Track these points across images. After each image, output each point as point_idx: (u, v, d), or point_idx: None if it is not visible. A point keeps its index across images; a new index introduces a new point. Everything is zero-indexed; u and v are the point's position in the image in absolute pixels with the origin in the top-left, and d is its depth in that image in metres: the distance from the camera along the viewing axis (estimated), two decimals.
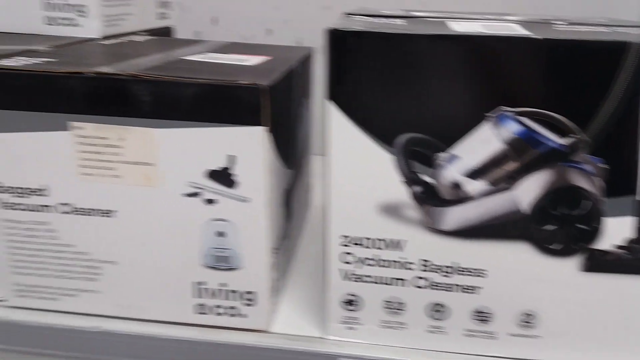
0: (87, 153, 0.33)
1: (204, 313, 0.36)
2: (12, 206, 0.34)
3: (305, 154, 0.49)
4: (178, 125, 0.31)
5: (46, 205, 0.34)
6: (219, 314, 0.36)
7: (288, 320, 0.37)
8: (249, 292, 0.35)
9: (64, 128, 0.32)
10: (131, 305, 0.36)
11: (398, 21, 0.37)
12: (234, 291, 0.35)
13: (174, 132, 0.31)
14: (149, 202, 0.33)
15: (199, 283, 0.35)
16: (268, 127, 0.31)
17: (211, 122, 0.31)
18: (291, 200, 0.42)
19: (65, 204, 0.34)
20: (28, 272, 0.36)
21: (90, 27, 0.49)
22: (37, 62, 0.34)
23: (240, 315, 0.36)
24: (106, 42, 0.47)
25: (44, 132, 0.32)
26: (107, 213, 0.34)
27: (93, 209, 0.34)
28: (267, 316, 0.36)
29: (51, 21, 0.49)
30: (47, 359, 0.37)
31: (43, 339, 0.37)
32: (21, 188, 0.34)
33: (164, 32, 0.63)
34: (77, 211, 0.34)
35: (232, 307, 0.36)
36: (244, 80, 0.30)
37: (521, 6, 0.72)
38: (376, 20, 0.37)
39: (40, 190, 0.34)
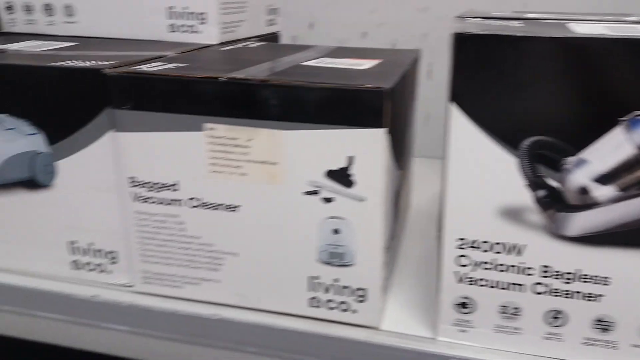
0: (218, 152, 0.35)
1: (316, 306, 0.37)
2: (145, 199, 0.37)
3: (410, 155, 0.50)
4: (302, 127, 0.33)
5: (177, 200, 0.37)
6: (331, 308, 0.37)
7: (397, 319, 0.38)
8: (360, 289, 0.36)
9: (198, 129, 0.34)
10: (249, 295, 0.38)
11: (514, 23, 0.37)
12: (346, 287, 0.36)
13: (298, 134, 0.33)
14: (271, 199, 0.35)
15: (314, 277, 0.36)
16: (387, 129, 0.32)
17: (334, 124, 0.32)
18: (398, 201, 0.43)
19: (194, 199, 0.37)
20: (155, 261, 0.39)
21: (210, 34, 0.52)
22: (172, 67, 0.37)
23: (351, 310, 0.37)
24: (224, 48, 0.49)
25: (180, 132, 0.35)
26: (232, 208, 0.36)
27: (219, 204, 0.36)
28: (377, 313, 0.37)
29: (174, 28, 0.53)
30: (169, 343, 0.40)
31: (166, 323, 0.40)
32: (154, 183, 0.37)
33: (271, 38, 0.65)
34: (204, 205, 0.37)
35: (343, 302, 0.37)
36: (367, 84, 0.31)
37: (616, 5, 0.69)
38: (492, 22, 0.37)
39: (172, 185, 0.37)
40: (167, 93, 0.34)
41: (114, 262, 0.40)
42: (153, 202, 0.37)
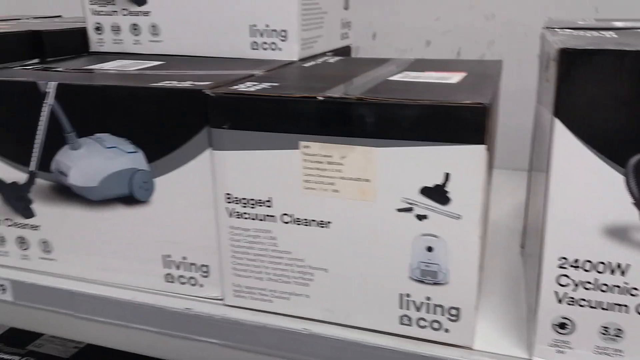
0: (311, 169, 0.35)
1: (407, 324, 0.37)
2: (239, 215, 0.38)
3: (492, 168, 0.49)
4: (397, 144, 0.33)
5: (270, 215, 0.38)
6: (423, 326, 0.37)
7: (489, 338, 0.37)
8: (453, 308, 0.36)
9: (293, 147, 0.35)
10: (338, 311, 0.38)
11: (607, 34, 0.36)
12: (438, 305, 0.36)
13: (393, 151, 0.33)
14: (363, 215, 0.35)
15: (405, 295, 0.36)
16: (487, 146, 0.32)
17: (431, 140, 0.32)
18: (486, 216, 0.42)
19: (287, 215, 0.37)
20: (247, 275, 0.40)
21: (290, 51, 0.53)
22: (267, 86, 0.37)
23: (443, 329, 0.36)
24: (306, 64, 0.50)
25: (275, 150, 0.36)
26: (323, 224, 0.37)
27: (311, 220, 0.37)
28: (470, 333, 0.36)
29: (255, 46, 0.54)
30: (259, 357, 0.41)
31: (257, 337, 0.40)
32: (249, 199, 0.38)
33: (345, 51, 0.66)
34: (296, 221, 0.37)
35: (435, 321, 0.36)
36: (467, 100, 0.31)
37: None
38: (585, 34, 0.36)
39: (266, 201, 0.37)
40: (265, 113, 0.35)
41: (205, 276, 0.42)
42: (247, 218, 0.38)
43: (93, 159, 0.41)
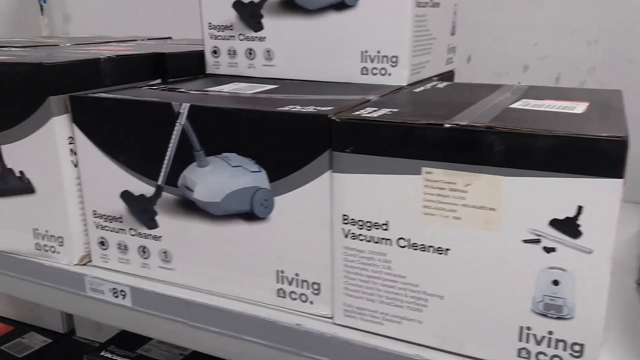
0: (432, 195, 0.36)
1: (525, 358, 0.36)
2: (355, 236, 0.39)
3: None
4: (527, 174, 0.33)
5: (386, 239, 0.38)
6: None
7: None
8: (577, 344, 0.35)
9: (415, 172, 0.36)
10: (452, 339, 0.38)
11: None
12: (561, 340, 0.35)
13: (522, 181, 0.33)
14: (485, 244, 0.35)
15: (526, 328, 0.36)
16: (624, 180, 0.31)
17: (563, 172, 0.32)
18: None
19: (403, 239, 0.38)
20: (358, 296, 0.41)
21: (400, 76, 0.54)
22: (387, 112, 0.38)
23: None
24: (416, 89, 0.51)
25: (397, 175, 0.36)
26: (441, 250, 0.37)
27: (429, 246, 0.37)
28: None
29: (366, 71, 0.55)
30: None
31: (365, 358, 0.41)
32: (365, 222, 0.39)
33: (449, 76, 0.66)
34: (413, 246, 0.37)
35: (556, 356, 0.35)
36: (603, 132, 0.30)
37: None
38: None
39: (382, 225, 0.38)
40: (389, 138, 0.36)
41: (316, 293, 0.43)
42: (362, 240, 0.39)
43: (219, 176, 0.43)
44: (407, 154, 0.36)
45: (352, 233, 0.39)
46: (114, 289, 0.50)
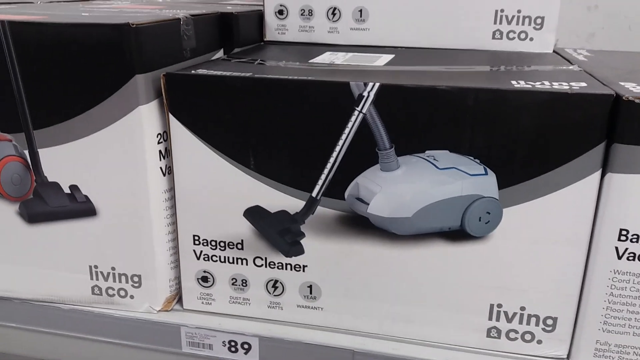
0: None
1: None
2: (634, 257, 0.30)
3: None
4: None
5: None
6: None
7: None
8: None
9: None
10: None
11: None
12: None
13: None
14: None
15: None
16: None
17: None
18: None
19: None
20: (623, 331, 0.31)
21: (545, 41, 0.44)
22: None
23: None
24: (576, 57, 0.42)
25: None
26: None
27: None
28: None
29: (500, 35, 0.45)
30: None
31: None
32: None
33: None
34: None
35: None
36: None
37: None
38: None
39: None
40: None
41: (549, 330, 0.33)
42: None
43: (415, 183, 0.31)
44: None
45: (632, 253, 0.29)
46: (232, 341, 0.36)
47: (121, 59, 0.31)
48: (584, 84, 0.30)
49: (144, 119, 0.33)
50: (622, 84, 0.31)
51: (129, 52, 0.31)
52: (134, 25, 0.31)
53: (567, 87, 0.29)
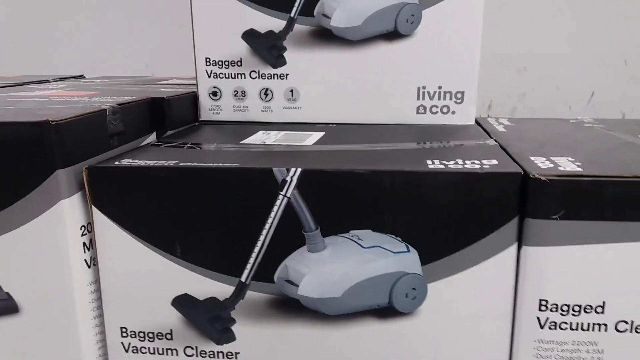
0: None
1: None
2: (555, 326, 0.30)
3: None
4: None
5: (600, 324, 0.30)
6: None
7: None
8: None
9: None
10: None
11: None
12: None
13: None
14: None
15: None
16: None
17: None
18: None
19: (622, 322, 0.30)
20: None
21: (466, 114, 0.47)
22: (577, 166, 0.30)
23: None
24: (493, 129, 0.44)
25: (623, 242, 0.28)
26: None
27: None
28: None
29: (423, 110, 0.47)
30: None
31: None
32: (573, 306, 0.30)
33: None
34: (637, 330, 0.30)
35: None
36: None
37: None
38: None
39: (597, 307, 0.30)
40: (615, 197, 0.28)
41: None
42: (565, 329, 0.30)
43: (343, 263, 0.31)
44: (636, 216, 0.28)
45: (553, 322, 0.30)
46: None
47: (41, 155, 0.31)
48: (495, 162, 0.31)
49: (66, 213, 0.32)
50: (532, 158, 0.32)
51: (50, 148, 0.31)
52: (54, 122, 0.31)
53: (479, 167, 0.30)
